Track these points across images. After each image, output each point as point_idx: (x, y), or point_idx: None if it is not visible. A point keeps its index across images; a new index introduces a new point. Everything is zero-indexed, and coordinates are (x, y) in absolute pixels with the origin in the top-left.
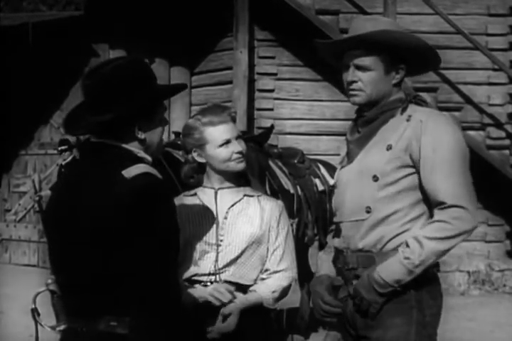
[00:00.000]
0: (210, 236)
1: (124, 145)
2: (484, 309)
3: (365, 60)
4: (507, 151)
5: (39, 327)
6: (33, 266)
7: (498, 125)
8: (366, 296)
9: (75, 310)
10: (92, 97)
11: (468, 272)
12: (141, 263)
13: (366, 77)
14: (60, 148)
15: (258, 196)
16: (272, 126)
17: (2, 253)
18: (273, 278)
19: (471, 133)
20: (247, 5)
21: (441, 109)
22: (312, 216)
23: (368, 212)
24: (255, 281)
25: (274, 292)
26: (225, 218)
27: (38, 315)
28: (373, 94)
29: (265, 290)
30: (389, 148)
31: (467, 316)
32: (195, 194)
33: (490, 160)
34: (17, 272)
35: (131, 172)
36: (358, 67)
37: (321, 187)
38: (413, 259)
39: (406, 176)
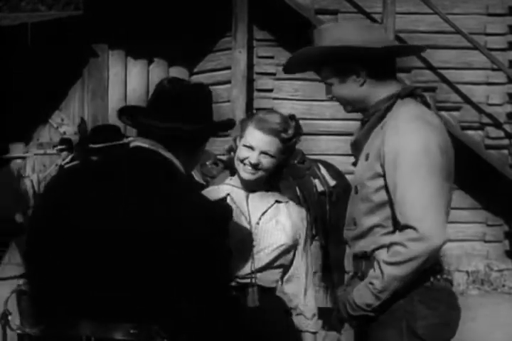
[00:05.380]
0: (245, 241)
1: (172, 159)
2: (483, 309)
3: (323, 77)
4: (506, 151)
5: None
6: None
7: (497, 125)
8: (342, 311)
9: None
10: (182, 105)
11: (467, 272)
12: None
13: (334, 92)
14: (58, 147)
15: (286, 202)
16: None
17: (3, 254)
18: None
19: (470, 132)
20: (245, 5)
21: (439, 108)
22: (311, 216)
23: (355, 224)
24: (273, 283)
25: (314, 315)
26: (258, 223)
27: (9, 314)
28: (349, 103)
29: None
30: (366, 157)
31: (466, 316)
32: (229, 194)
33: (489, 160)
34: (17, 272)
35: (219, 192)
36: (326, 84)
37: (320, 188)
38: (376, 285)
39: (382, 188)
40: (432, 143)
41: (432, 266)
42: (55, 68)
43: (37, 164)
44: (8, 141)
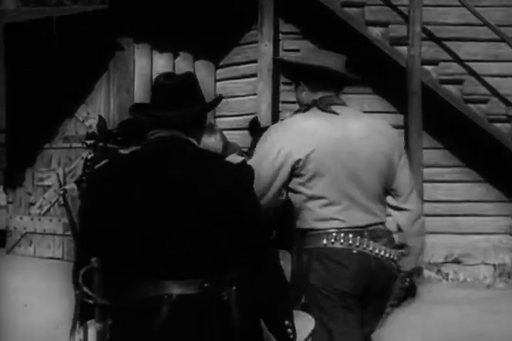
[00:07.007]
0: None
1: (191, 140)
2: (510, 302)
3: None
4: None
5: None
6: (58, 259)
7: None
8: None
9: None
10: (180, 94)
11: (493, 265)
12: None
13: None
14: (86, 142)
15: None
16: None
17: (26, 247)
18: None
19: (497, 125)
20: None
21: (467, 101)
22: None
23: None
24: None
25: None
26: None
27: (84, 286)
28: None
29: None
30: None
31: (492, 309)
32: None
33: None
34: (41, 265)
35: (234, 160)
36: None
37: None
38: None
39: None
40: (272, 140)
41: (324, 231)
42: (81, 62)
43: (62, 158)
44: (34, 134)
